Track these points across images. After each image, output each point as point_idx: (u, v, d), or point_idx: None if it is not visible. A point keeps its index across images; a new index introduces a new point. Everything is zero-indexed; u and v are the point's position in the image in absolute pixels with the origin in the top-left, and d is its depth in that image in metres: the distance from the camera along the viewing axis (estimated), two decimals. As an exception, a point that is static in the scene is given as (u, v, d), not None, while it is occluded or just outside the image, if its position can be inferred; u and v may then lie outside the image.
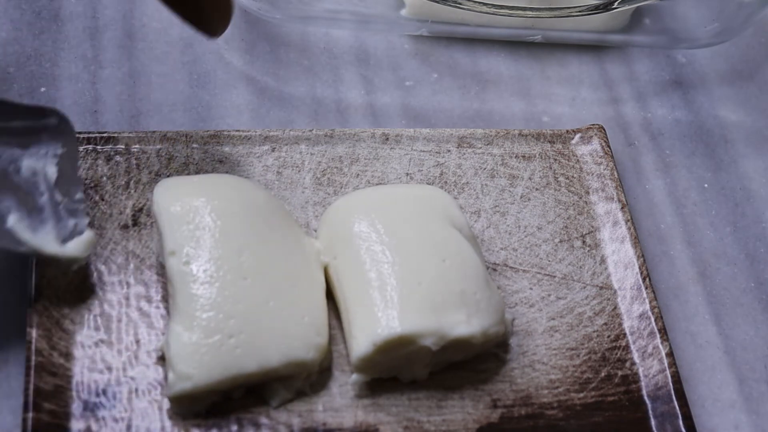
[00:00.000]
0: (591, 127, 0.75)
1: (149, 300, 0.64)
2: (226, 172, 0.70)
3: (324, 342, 0.62)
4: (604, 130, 0.75)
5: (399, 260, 0.63)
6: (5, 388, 0.62)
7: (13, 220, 0.62)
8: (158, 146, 0.71)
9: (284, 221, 0.65)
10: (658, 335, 0.65)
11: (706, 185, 0.77)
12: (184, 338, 0.60)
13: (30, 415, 0.58)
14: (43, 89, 0.76)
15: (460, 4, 0.78)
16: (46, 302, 0.62)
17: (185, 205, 0.63)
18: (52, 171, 0.64)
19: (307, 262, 0.64)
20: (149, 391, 0.61)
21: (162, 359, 0.62)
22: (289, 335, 0.61)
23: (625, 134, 0.79)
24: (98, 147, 0.70)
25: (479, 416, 0.62)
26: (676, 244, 0.74)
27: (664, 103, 0.82)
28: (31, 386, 0.59)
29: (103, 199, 0.68)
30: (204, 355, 0.59)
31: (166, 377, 0.61)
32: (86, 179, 0.68)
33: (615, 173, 0.72)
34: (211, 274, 0.61)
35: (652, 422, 0.63)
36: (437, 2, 0.78)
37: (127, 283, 0.65)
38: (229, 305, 0.61)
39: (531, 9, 0.79)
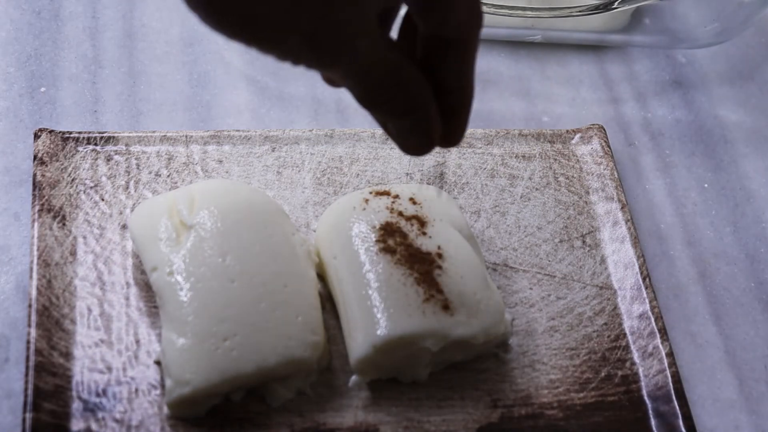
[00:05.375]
0: (591, 127, 0.75)
1: (149, 300, 0.64)
2: (226, 172, 0.70)
3: (320, 340, 0.62)
4: (604, 130, 0.75)
5: (398, 260, 0.63)
6: (5, 388, 0.62)
7: None
8: (158, 146, 0.71)
9: (270, 219, 0.65)
10: (658, 335, 0.65)
11: (706, 185, 0.77)
12: (178, 344, 0.60)
13: (30, 415, 0.58)
14: (43, 89, 0.76)
15: (460, 4, 0.78)
16: (46, 302, 0.62)
17: (156, 224, 0.63)
18: None
19: (297, 260, 0.64)
20: (149, 391, 0.61)
21: (160, 363, 0.62)
22: (285, 335, 0.61)
23: (625, 134, 0.79)
24: (98, 147, 0.70)
25: (479, 416, 0.62)
26: (676, 244, 0.74)
27: (664, 103, 0.82)
28: (31, 386, 0.59)
29: (103, 199, 0.68)
30: (200, 360, 0.59)
31: (162, 381, 0.61)
32: (86, 179, 0.68)
33: (615, 173, 0.72)
34: (196, 280, 0.61)
35: (652, 422, 0.63)
36: (437, 2, 0.78)
37: (127, 283, 0.65)
38: (219, 308, 0.60)
39: (531, 9, 0.79)
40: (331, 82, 0.53)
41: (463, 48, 0.53)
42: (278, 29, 0.47)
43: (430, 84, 0.52)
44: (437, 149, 0.55)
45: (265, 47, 0.48)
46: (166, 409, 0.60)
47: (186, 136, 0.71)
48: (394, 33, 0.55)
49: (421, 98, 0.52)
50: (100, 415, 0.60)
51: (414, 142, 0.54)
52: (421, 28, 0.53)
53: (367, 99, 0.52)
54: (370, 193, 0.67)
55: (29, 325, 0.61)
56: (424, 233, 0.64)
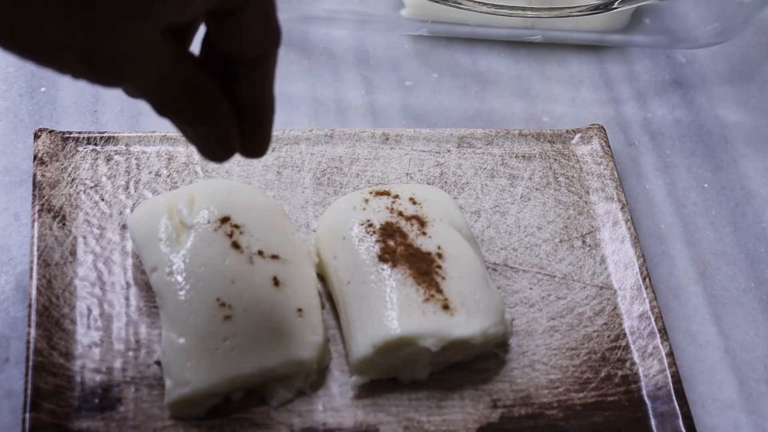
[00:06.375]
0: (591, 127, 0.75)
1: (149, 300, 0.64)
2: (226, 172, 0.70)
3: (320, 340, 0.62)
4: (604, 130, 0.75)
5: (398, 260, 0.63)
6: (5, 388, 0.62)
7: None
8: (158, 146, 0.71)
9: (270, 219, 0.65)
10: (658, 335, 0.65)
11: (706, 185, 0.77)
12: (178, 344, 0.60)
13: (30, 415, 0.58)
14: (43, 89, 0.76)
15: (460, 4, 0.78)
16: (46, 302, 0.62)
17: (156, 224, 0.63)
18: None
19: (297, 260, 0.64)
20: (149, 392, 0.61)
21: (160, 363, 0.62)
22: (285, 335, 0.61)
23: (625, 134, 0.80)
24: (98, 147, 0.70)
25: (479, 416, 0.62)
26: (676, 244, 0.74)
27: (664, 103, 0.82)
28: (31, 386, 0.59)
29: (103, 199, 0.68)
30: (200, 360, 0.59)
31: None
32: (86, 179, 0.68)
33: (615, 173, 0.72)
34: (196, 280, 0.61)
35: (652, 422, 0.63)
36: (437, 2, 0.78)
37: (127, 283, 0.65)
38: (220, 308, 0.60)
39: (531, 9, 0.79)
40: (129, 93, 0.52)
41: (259, 65, 0.52)
42: (51, 46, 0.45)
43: (226, 96, 0.52)
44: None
45: (40, 62, 0.47)
46: (166, 409, 0.60)
47: (186, 136, 0.71)
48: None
49: (215, 107, 0.52)
50: (99, 415, 0.60)
51: (211, 148, 0.53)
52: (217, 45, 0.52)
53: (159, 109, 0.51)
54: (370, 193, 0.67)
55: (29, 325, 0.61)
56: (424, 233, 0.64)
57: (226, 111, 0.52)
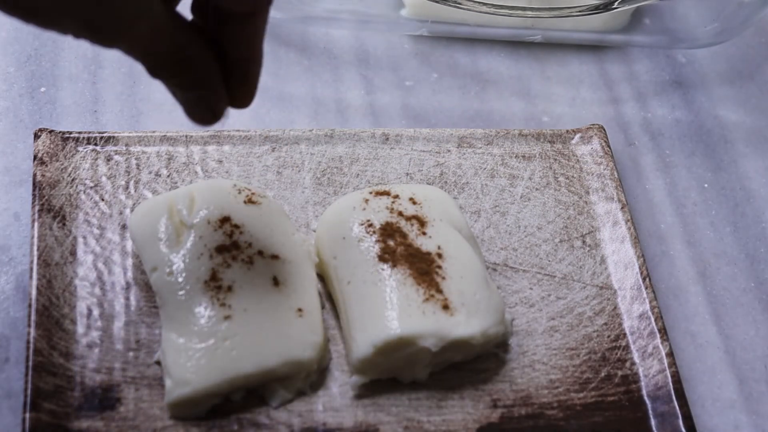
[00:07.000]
0: (591, 127, 0.75)
1: (149, 300, 0.64)
2: (226, 172, 0.70)
3: (320, 340, 0.62)
4: (604, 130, 0.75)
5: (398, 260, 0.63)
6: (5, 388, 0.62)
7: None
8: (158, 146, 0.71)
9: (270, 219, 0.65)
10: (658, 335, 0.65)
11: (706, 185, 0.77)
12: (178, 344, 0.60)
13: (30, 415, 0.58)
14: (43, 89, 0.76)
15: (460, 4, 0.78)
16: (46, 302, 0.62)
17: (155, 224, 0.63)
18: None
19: (297, 260, 0.64)
20: (149, 391, 0.61)
21: (160, 363, 0.62)
22: (285, 335, 0.61)
23: (625, 134, 0.80)
24: (98, 147, 0.70)
25: (479, 416, 0.62)
26: (676, 244, 0.74)
27: (664, 103, 0.82)
28: (31, 386, 0.59)
29: (103, 199, 0.68)
30: (200, 360, 0.59)
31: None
32: (86, 179, 0.68)
33: (615, 173, 0.72)
34: (196, 280, 0.61)
35: (652, 422, 0.63)
36: (437, 2, 0.78)
37: (127, 283, 0.65)
38: (220, 308, 0.60)
39: (531, 9, 0.79)
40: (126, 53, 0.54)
41: (251, 20, 0.53)
42: (53, 11, 0.47)
43: (216, 55, 0.53)
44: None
45: (42, 25, 0.48)
46: (166, 409, 0.60)
47: (186, 136, 0.71)
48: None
49: (206, 75, 0.53)
50: (99, 415, 0.60)
51: (199, 112, 0.55)
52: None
53: (152, 73, 0.53)
54: (370, 193, 0.67)
55: (29, 325, 0.61)
56: (424, 233, 0.64)
57: (217, 79, 0.53)
